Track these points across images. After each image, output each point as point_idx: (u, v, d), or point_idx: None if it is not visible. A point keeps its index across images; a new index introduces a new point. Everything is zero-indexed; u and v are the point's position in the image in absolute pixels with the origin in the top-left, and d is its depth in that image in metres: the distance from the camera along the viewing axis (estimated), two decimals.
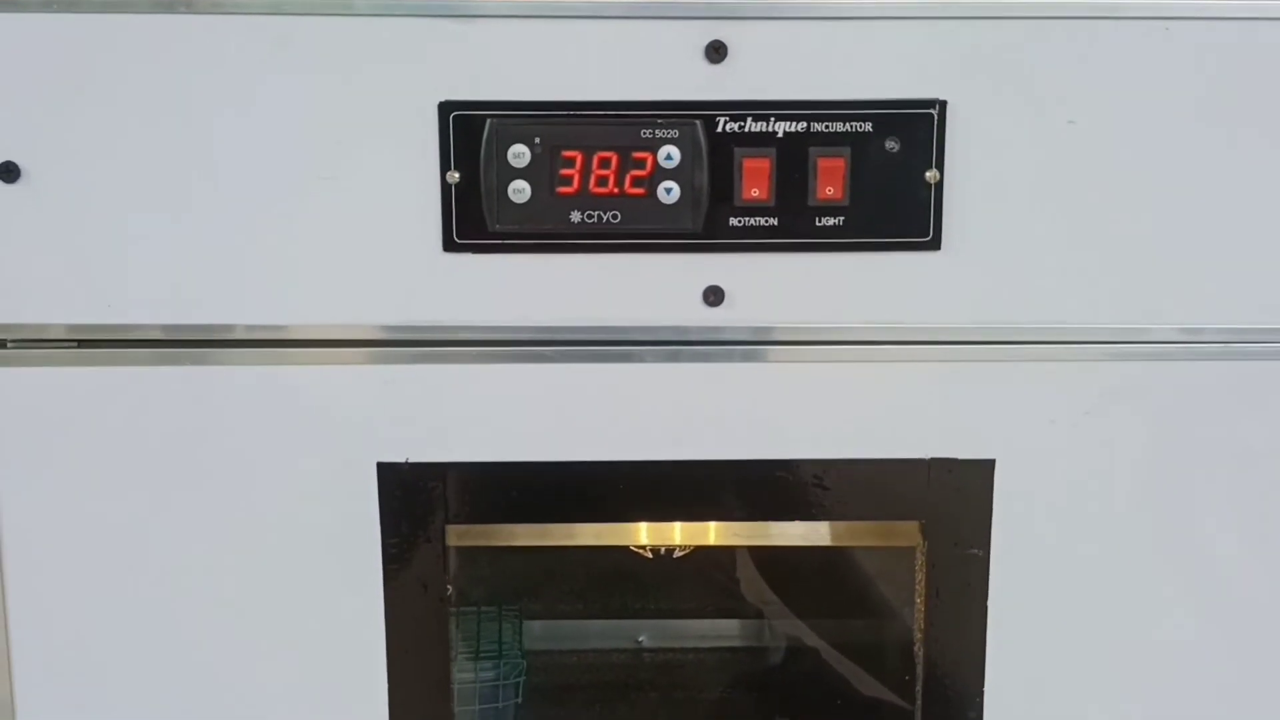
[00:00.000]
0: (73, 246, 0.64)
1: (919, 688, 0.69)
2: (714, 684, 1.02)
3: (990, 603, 0.68)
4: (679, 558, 0.86)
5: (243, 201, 0.64)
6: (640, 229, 0.64)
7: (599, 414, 0.66)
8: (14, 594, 0.67)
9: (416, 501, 0.66)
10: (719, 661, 1.04)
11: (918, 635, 0.70)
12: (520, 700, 0.94)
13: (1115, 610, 0.68)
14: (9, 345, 0.66)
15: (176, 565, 0.67)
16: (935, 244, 0.65)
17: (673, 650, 1.07)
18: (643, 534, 0.84)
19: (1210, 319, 0.66)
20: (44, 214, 0.64)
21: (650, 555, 0.85)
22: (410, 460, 0.66)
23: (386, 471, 0.66)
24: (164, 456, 0.66)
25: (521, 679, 0.96)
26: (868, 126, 0.64)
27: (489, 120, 0.63)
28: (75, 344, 0.66)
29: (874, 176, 0.64)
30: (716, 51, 0.63)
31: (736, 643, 1.04)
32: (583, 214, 0.64)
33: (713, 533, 0.83)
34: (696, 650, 1.06)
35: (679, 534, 0.84)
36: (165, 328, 0.66)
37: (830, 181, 0.64)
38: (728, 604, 1.00)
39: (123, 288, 0.65)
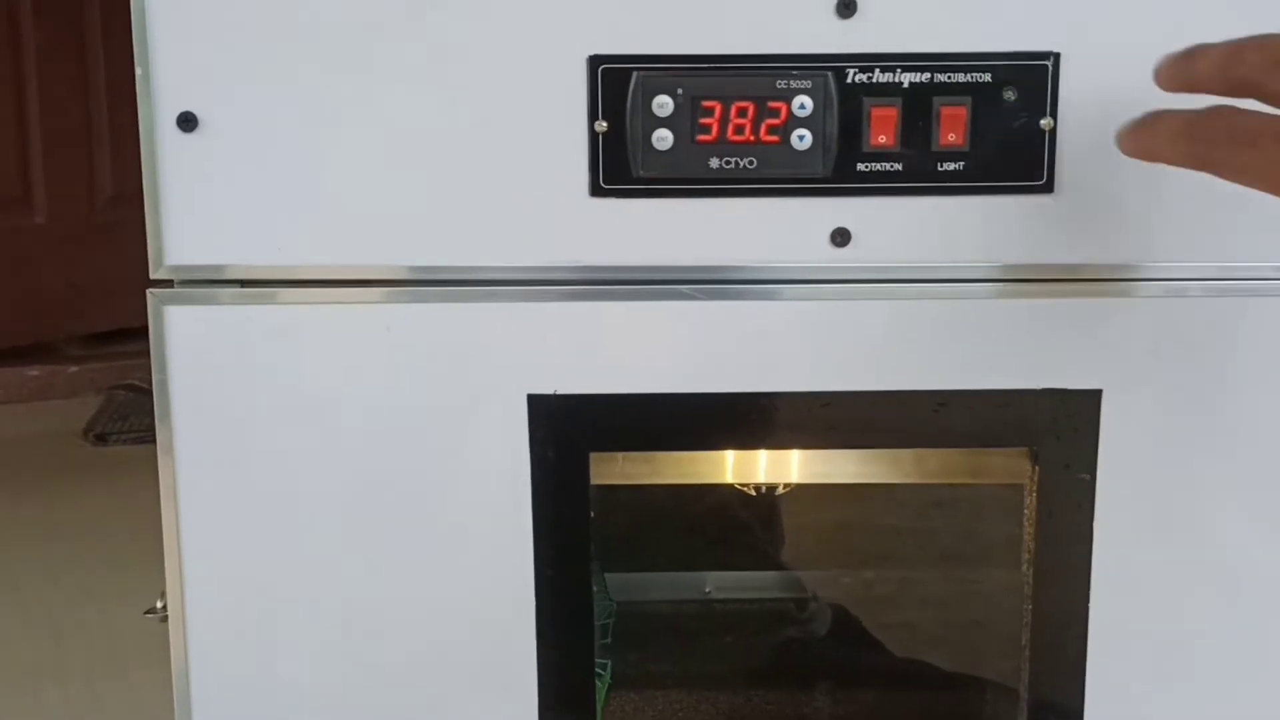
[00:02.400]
0: (245, 192, 0.69)
1: (1028, 606, 0.74)
2: (777, 634, 1.07)
3: (1096, 523, 0.73)
4: (780, 494, 0.91)
5: (404, 148, 0.69)
6: (774, 174, 0.69)
7: (732, 348, 0.71)
8: (187, 507, 0.72)
9: (563, 429, 0.71)
10: (785, 612, 1.09)
11: (1025, 557, 0.74)
12: (609, 641, 0.99)
13: (1216, 533, 0.73)
14: (177, 285, 0.71)
15: (341, 493, 0.72)
16: (1049, 187, 0.70)
17: (739, 601, 1.12)
18: (747, 471, 0.89)
19: None
20: (218, 161, 0.69)
21: (754, 493, 0.90)
22: (558, 391, 0.71)
23: (536, 402, 0.71)
24: (329, 395, 0.71)
25: (612, 619, 1.01)
26: (987, 77, 0.68)
27: (635, 73, 0.68)
28: (239, 284, 0.71)
29: (992, 124, 0.69)
30: (846, 8, 0.68)
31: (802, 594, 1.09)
32: (721, 160, 0.69)
33: (814, 471, 0.88)
34: (763, 600, 1.12)
35: (780, 471, 0.89)
36: (330, 268, 0.71)
37: (952, 128, 0.68)
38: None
39: (291, 231, 0.70)
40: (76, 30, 2.88)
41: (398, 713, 0.75)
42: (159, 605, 0.74)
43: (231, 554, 0.73)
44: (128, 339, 2.88)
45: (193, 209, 0.70)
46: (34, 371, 2.89)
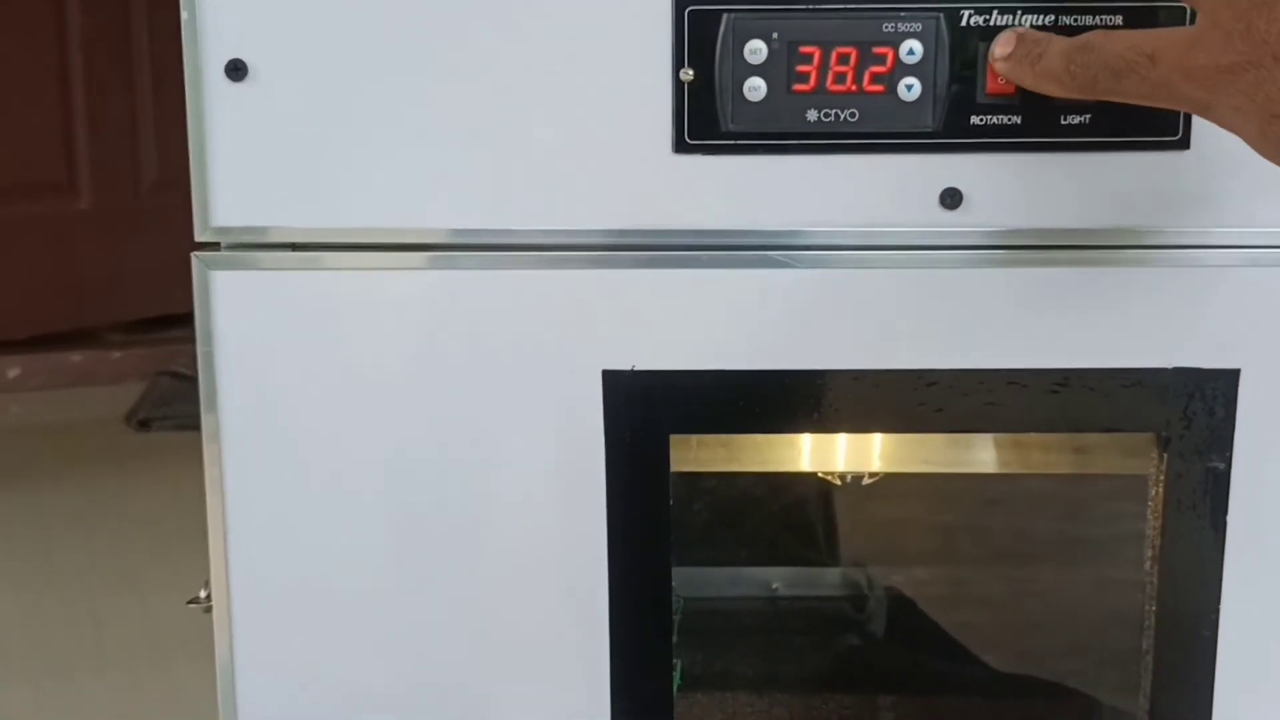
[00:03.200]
0: (298, 147, 0.64)
1: (1151, 607, 0.67)
2: (844, 633, 1.01)
3: (1230, 516, 0.66)
4: (867, 485, 0.85)
5: (469, 102, 0.63)
6: (878, 128, 0.62)
7: (832, 320, 0.65)
8: (233, 494, 0.66)
9: (641, 410, 0.65)
10: (851, 610, 1.03)
11: (1149, 553, 0.68)
12: (677, 640, 0.94)
13: None
14: (224, 248, 0.66)
15: (393, 476, 0.67)
16: (1184, 143, 0.63)
17: (807, 599, 1.06)
18: (826, 459, 0.83)
19: None
20: (269, 113, 0.63)
21: (839, 482, 0.84)
22: (636, 367, 0.65)
23: (611, 379, 0.65)
24: (386, 360, 0.66)
25: (678, 616, 0.95)
26: (1118, 20, 0.61)
27: (726, 15, 0.62)
28: (290, 247, 0.66)
29: None
30: None
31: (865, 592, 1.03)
32: (819, 112, 0.63)
33: (907, 459, 0.82)
34: (831, 599, 1.06)
35: (864, 459, 0.82)
36: (388, 231, 0.65)
37: None
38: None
39: (346, 191, 0.64)
40: (122, 16, 2.85)
41: (452, 713, 0.69)
42: (202, 595, 0.69)
43: (278, 538, 0.67)
44: (171, 325, 2.86)
45: (241, 166, 0.64)
46: (77, 357, 2.86)
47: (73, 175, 2.87)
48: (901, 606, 1.01)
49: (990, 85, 0.62)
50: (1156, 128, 0.62)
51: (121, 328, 2.96)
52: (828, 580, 1.05)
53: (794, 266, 0.64)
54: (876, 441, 0.81)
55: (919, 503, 1.00)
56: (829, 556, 1.05)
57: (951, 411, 0.66)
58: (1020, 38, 0.59)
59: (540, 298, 0.65)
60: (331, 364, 0.66)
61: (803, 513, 0.98)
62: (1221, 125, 0.53)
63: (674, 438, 0.67)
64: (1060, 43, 0.57)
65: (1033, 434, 0.74)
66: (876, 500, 0.94)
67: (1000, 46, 0.59)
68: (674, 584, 0.96)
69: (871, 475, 0.83)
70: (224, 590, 0.68)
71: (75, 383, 2.82)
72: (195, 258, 0.65)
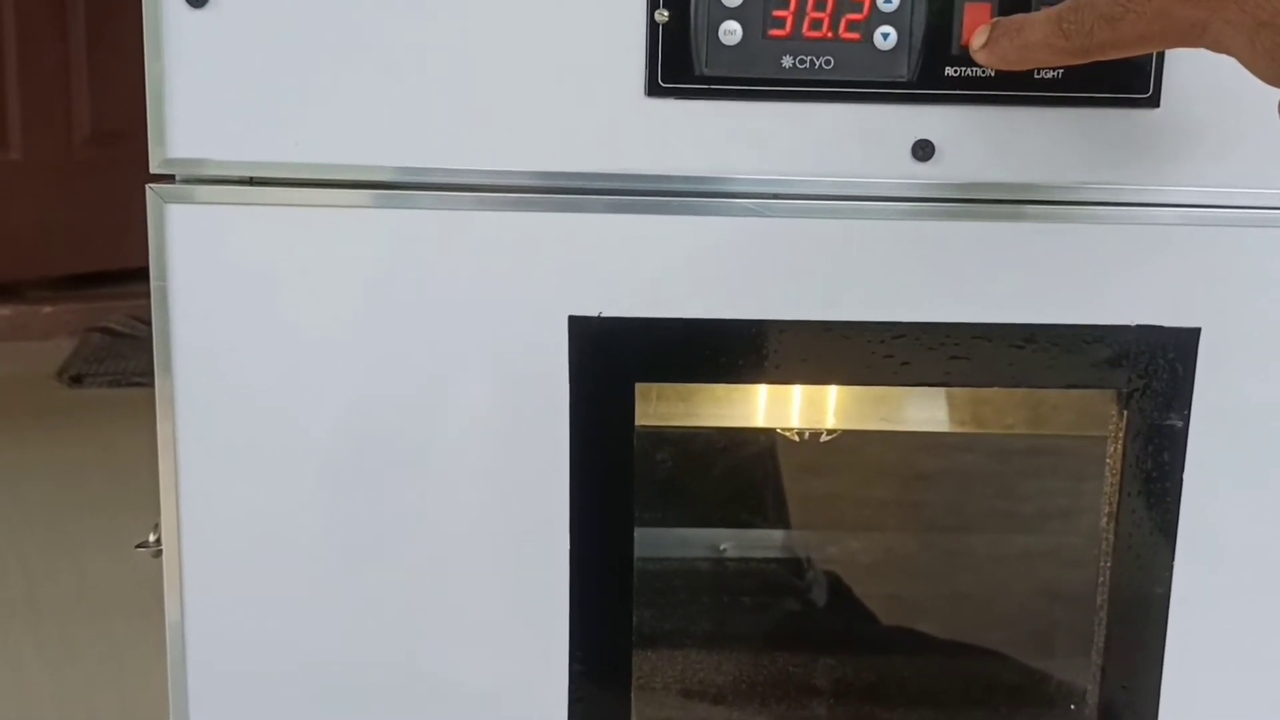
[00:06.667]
0: (259, 78, 0.62)
1: (1106, 553, 0.68)
2: (790, 595, 1.01)
3: (1186, 474, 0.66)
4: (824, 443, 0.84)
5: (433, 36, 0.61)
6: (852, 76, 0.62)
7: (801, 270, 0.64)
8: (185, 431, 0.65)
9: (607, 357, 0.64)
10: (794, 573, 1.03)
11: (1106, 510, 0.68)
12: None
13: None
14: (179, 180, 0.64)
15: (350, 420, 0.65)
16: (1154, 101, 0.63)
17: (754, 560, 1.06)
18: (789, 416, 0.82)
19: None
20: (229, 42, 0.61)
21: (798, 438, 0.84)
22: (604, 314, 0.64)
23: (578, 325, 0.64)
24: (344, 301, 0.64)
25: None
26: None
27: None
28: (248, 182, 0.64)
29: None
30: None
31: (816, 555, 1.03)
32: (794, 59, 0.62)
33: (861, 416, 0.82)
34: (779, 561, 1.06)
35: (822, 416, 0.82)
36: (346, 167, 0.63)
37: None
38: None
39: (305, 125, 0.62)
40: None
41: (408, 667, 0.68)
42: (151, 539, 0.67)
43: (230, 485, 0.65)
44: (103, 282, 2.79)
45: (198, 96, 0.62)
46: (6, 311, 2.79)
47: (3, 125, 2.79)
48: (847, 572, 1.01)
49: (965, 37, 0.61)
50: (1128, 84, 0.63)
51: (51, 283, 2.89)
52: (776, 542, 1.06)
53: (764, 215, 0.64)
54: (832, 396, 0.81)
55: (876, 463, 1.00)
56: (779, 518, 1.05)
57: (916, 365, 0.66)
58: (994, 24, 0.59)
59: (505, 241, 0.64)
60: (287, 304, 0.64)
61: (759, 471, 0.98)
62: (1215, 49, 0.53)
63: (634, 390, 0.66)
64: (1041, 12, 0.57)
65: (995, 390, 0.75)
66: (832, 460, 0.95)
67: (977, 39, 0.59)
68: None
69: (830, 432, 0.83)
70: (175, 547, 0.66)
71: (4, 338, 2.75)
72: (150, 190, 0.63)
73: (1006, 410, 0.85)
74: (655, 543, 1.02)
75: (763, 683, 0.88)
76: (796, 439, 0.83)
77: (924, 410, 0.86)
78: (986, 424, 0.84)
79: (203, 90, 0.62)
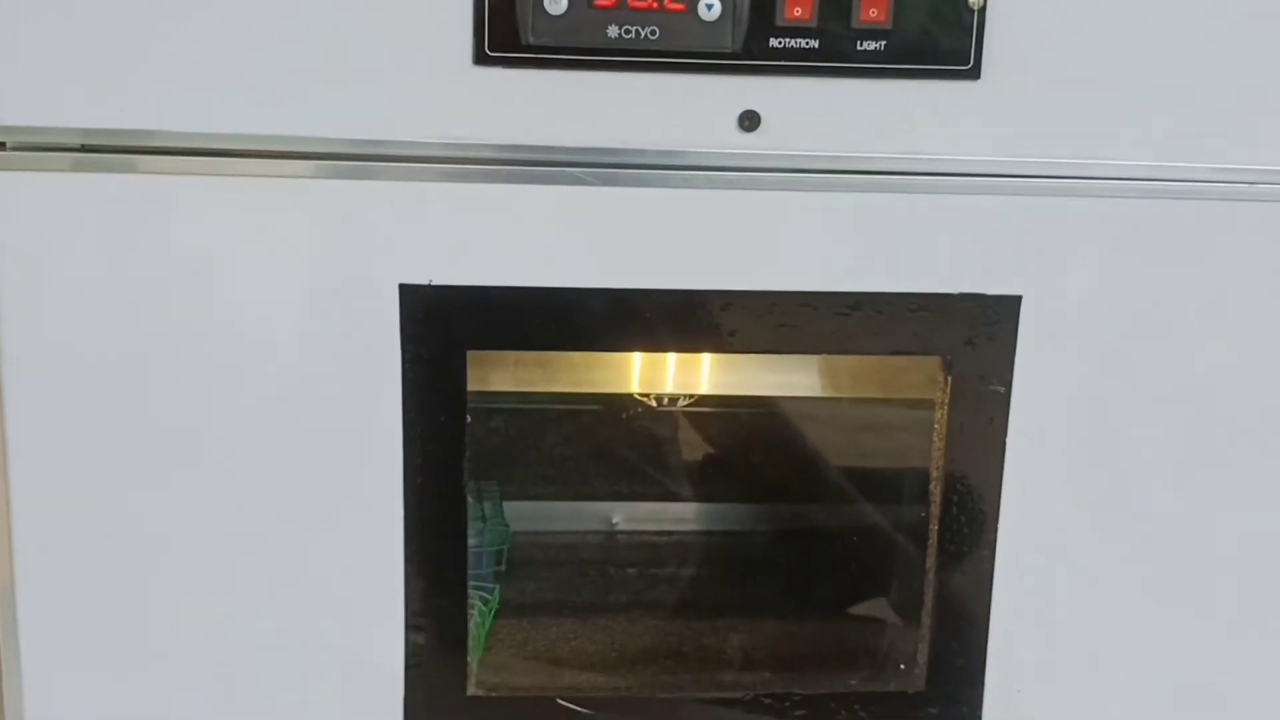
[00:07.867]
0: (83, 43, 0.61)
1: (935, 516, 0.69)
2: (687, 567, 1.02)
3: (1009, 438, 0.68)
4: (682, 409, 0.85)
5: (262, 2, 0.61)
6: (678, 46, 0.62)
7: (629, 239, 0.65)
8: (11, 401, 0.65)
9: (438, 324, 0.65)
10: (693, 545, 1.04)
11: (934, 473, 0.70)
12: (503, 569, 0.94)
13: (1128, 448, 0.69)
14: (9, 148, 0.63)
15: (185, 381, 0.65)
16: (975, 73, 0.64)
17: (647, 533, 1.07)
18: (643, 382, 0.83)
19: (1251, 160, 0.66)
20: (53, 5, 0.61)
21: (656, 405, 0.85)
22: (434, 282, 0.65)
23: (409, 293, 0.64)
24: (173, 270, 0.64)
25: (506, 547, 0.95)
26: None
27: None
28: (80, 149, 0.63)
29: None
30: None
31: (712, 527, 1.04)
32: (620, 29, 0.62)
33: (717, 382, 0.83)
34: (671, 534, 1.07)
35: (681, 382, 0.83)
36: (176, 135, 0.63)
37: (874, 3, 0.62)
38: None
39: (136, 89, 0.62)
40: None
41: (247, 634, 0.69)
42: None
43: (60, 454, 0.65)
44: None
45: (24, 58, 0.61)
46: None
47: None
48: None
49: (788, 11, 0.62)
50: (948, 57, 0.64)
51: None
52: (663, 515, 1.06)
53: (593, 184, 0.64)
54: (701, 366, 0.82)
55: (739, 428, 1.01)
56: (659, 491, 1.06)
57: (745, 333, 0.67)
58: None
59: (335, 209, 0.64)
60: (119, 274, 0.64)
61: (632, 441, 0.99)
62: None
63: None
64: None
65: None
66: (692, 426, 0.96)
67: None
68: (507, 517, 0.97)
69: (689, 398, 0.84)
70: (4, 510, 0.66)
71: None
72: None
73: (868, 376, 0.87)
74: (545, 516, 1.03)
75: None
76: (655, 405, 0.84)
77: (795, 376, 0.87)
78: (845, 390, 0.86)
79: (29, 54, 0.61)
